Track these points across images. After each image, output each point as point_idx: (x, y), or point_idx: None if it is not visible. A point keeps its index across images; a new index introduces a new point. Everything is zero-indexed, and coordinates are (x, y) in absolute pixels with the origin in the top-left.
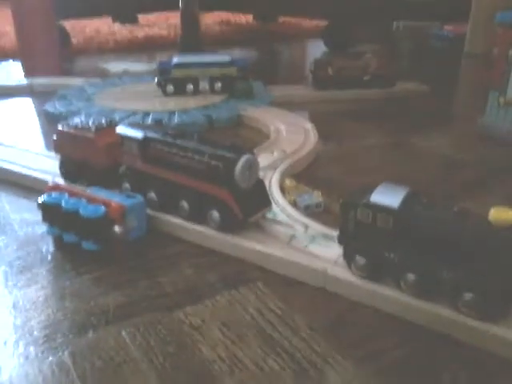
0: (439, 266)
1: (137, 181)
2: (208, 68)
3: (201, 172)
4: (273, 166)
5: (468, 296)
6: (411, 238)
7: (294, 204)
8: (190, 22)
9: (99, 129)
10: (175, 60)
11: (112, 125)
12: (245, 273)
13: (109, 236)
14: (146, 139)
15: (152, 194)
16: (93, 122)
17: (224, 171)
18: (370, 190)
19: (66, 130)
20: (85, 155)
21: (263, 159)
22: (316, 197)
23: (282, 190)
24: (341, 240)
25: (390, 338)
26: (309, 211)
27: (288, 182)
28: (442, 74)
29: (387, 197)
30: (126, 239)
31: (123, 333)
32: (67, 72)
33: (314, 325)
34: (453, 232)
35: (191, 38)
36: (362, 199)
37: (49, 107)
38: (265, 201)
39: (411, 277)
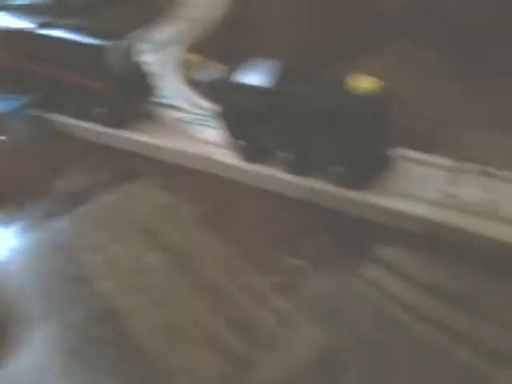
0: (310, 142)
1: (19, 81)
2: None
3: (76, 64)
4: (176, 40)
5: (337, 168)
6: (284, 116)
7: (193, 81)
8: None
9: None
10: None
11: None
12: (135, 166)
13: None
14: (17, 32)
15: (36, 94)
16: None
17: (96, 61)
18: (240, 70)
19: None
20: None
21: (167, 33)
22: (216, 71)
23: (185, 66)
24: (221, 125)
25: (274, 215)
26: (207, 87)
27: (190, 57)
28: None
29: (257, 76)
30: (14, 146)
31: None
32: None
33: (197, 213)
34: (321, 106)
35: None
36: (232, 81)
37: None
38: (148, 87)
39: (287, 155)
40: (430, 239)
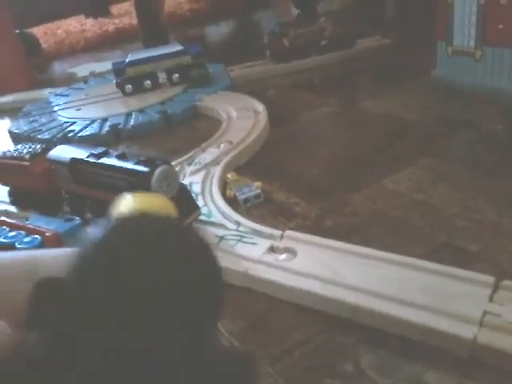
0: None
1: (74, 203)
2: (162, 61)
3: (123, 189)
4: (216, 161)
5: None
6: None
7: (235, 199)
8: (146, 14)
9: (34, 156)
10: (128, 59)
11: (46, 150)
12: None
13: None
14: (72, 162)
15: (89, 215)
16: (28, 149)
17: (141, 186)
18: None
19: (1, 160)
20: (24, 183)
21: (209, 155)
22: (255, 188)
23: (225, 185)
24: None
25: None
26: (248, 204)
27: (230, 177)
28: (413, 21)
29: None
30: None
31: None
32: (40, 83)
33: (234, 328)
34: None
35: (152, 31)
36: None
37: (12, 127)
38: (191, 206)
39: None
40: (472, 361)
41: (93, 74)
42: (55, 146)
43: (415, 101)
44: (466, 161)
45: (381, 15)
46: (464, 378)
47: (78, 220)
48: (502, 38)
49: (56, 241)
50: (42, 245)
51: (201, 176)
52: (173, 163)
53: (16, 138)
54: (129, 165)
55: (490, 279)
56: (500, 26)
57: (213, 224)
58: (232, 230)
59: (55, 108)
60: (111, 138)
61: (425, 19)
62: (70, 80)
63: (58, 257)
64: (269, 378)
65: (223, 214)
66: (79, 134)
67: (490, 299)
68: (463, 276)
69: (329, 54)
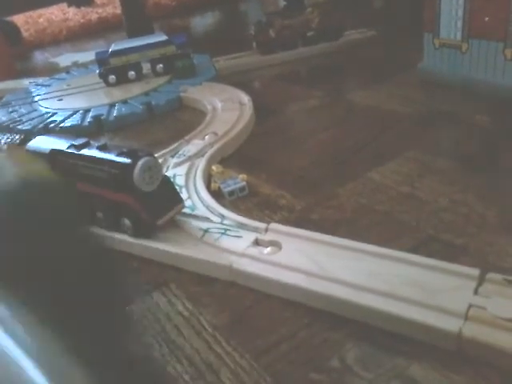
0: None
1: None
2: (146, 51)
3: (105, 181)
4: (201, 153)
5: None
6: None
7: (220, 191)
8: (131, 4)
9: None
10: (111, 49)
11: (25, 140)
12: (160, 276)
13: None
14: (52, 153)
15: None
16: (6, 140)
17: (123, 178)
18: None
19: None
20: None
21: (193, 146)
22: (240, 181)
23: (210, 177)
24: None
25: (293, 324)
26: (233, 197)
27: (214, 169)
28: (401, 13)
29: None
30: None
31: None
32: (21, 72)
33: (218, 323)
34: None
35: (136, 21)
36: None
37: None
38: (175, 199)
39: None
40: (458, 355)
41: (75, 64)
42: (34, 136)
43: (402, 93)
44: (452, 153)
45: (368, 7)
46: (449, 371)
47: None
48: (487, 30)
49: None
50: None
51: (185, 168)
52: (156, 155)
53: None
54: (110, 156)
55: (475, 272)
56: (486, 19)
57: (197, 217)
58: (216, 223)
59: (36, 98)
60: (94, 129)
61: (412, 11)
62: (51, 70)
63: None
64: (254, 372)
65: (207, 207)
66: (61, 125)
67: (475, 292)
68: (448, 269)
69: (315, 46)
